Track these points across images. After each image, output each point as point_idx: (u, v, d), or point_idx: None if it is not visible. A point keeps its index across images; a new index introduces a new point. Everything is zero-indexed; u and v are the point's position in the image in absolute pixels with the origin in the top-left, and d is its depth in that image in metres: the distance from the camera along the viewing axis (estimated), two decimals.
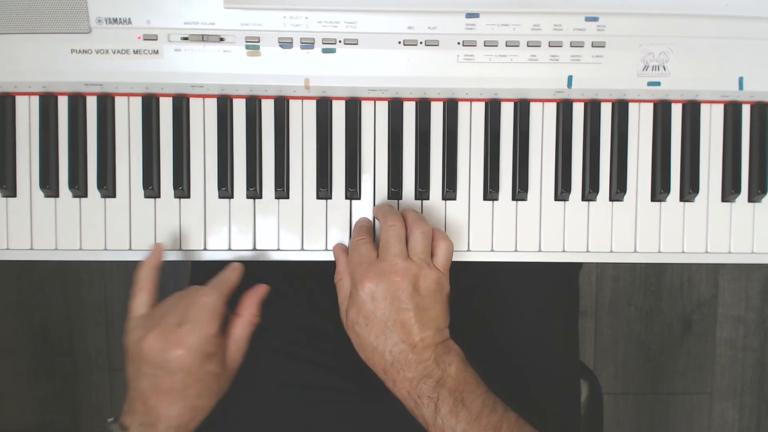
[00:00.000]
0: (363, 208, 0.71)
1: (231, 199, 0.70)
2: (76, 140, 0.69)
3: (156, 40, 0.65)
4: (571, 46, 0.67)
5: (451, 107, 0.70)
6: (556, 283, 0.79)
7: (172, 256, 0.69)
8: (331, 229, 0.71)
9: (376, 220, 0.70)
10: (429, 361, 0.62)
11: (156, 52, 0.66)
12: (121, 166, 0.69)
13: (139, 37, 0.65)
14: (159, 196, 0.69)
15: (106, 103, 0.69)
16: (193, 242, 0.70)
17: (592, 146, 0.71)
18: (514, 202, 0.71)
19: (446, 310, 0.64)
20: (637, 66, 0.68)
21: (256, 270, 0.74)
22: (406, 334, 0.62)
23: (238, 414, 0.73)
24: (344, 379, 0.74)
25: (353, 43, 0.66)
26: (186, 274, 0.81)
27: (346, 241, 0.70)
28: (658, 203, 0.72)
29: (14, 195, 0.69)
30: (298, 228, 0.70)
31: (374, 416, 0.74)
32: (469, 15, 0.66)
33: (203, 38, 0.66)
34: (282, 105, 0.70)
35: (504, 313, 0.77)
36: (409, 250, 0.63)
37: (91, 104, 0.69)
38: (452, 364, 0.62)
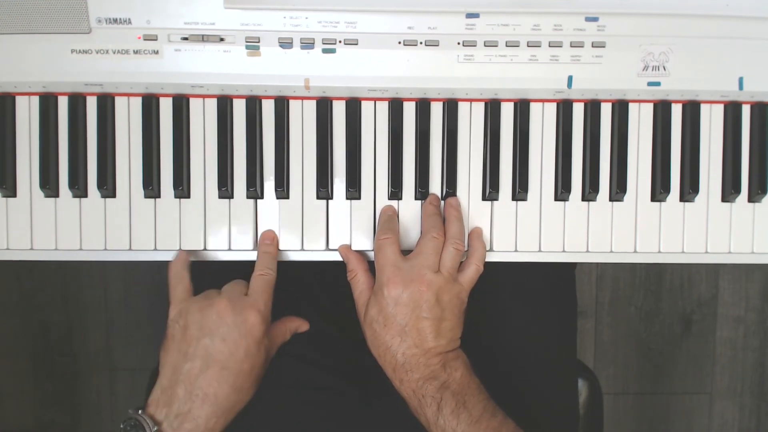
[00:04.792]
0: (363, 208, 0.71)
1: (231, 199, 0.70)
2: (76, 140, 0.69)
3: (156, 40, 0.65)
4: (571, 46, 0.67)
5: (451, 107, 0.70)
6: (551, 284, 0.80)
7: (171, 256, 0.69)
8: (332, 229, 0.71)
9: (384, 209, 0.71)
10: (437, 366, 0.64)
11: (156, 52, 0.66)
12: (121, 166, 0.69)
13: (139, 37, 0.65)
14: (159, 196, 0.69)
15: (106, 103, 0.69)
16: (193, 242, 0.70)
17: (592, 146, 0.71)
18: (514, 202, 0.71)
19: (461, 322, 0.67)
20: (637, 66, 0.68)
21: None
22: (421, 340, 0.64)
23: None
24: (343, 380, 0.74)
25: (353, 43, 0.66)
26: None
27: (346, 241, 0.70)
28: (658, 203, 0.72)
29: (14, 195, 0.69)
30: (298, 228, 0.70)
31: (372, 418, 0.74)
32: (469, 15, 0.66)
33: (203, 38, 0.66)
34: (282, 105, 0.70)
35: (500, 314, 0.78)
36: (440, 263, 0.65)
37: (91, 104, 0.69)
38: (458, 370, 0.64)
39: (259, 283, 0.65)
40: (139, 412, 0.59)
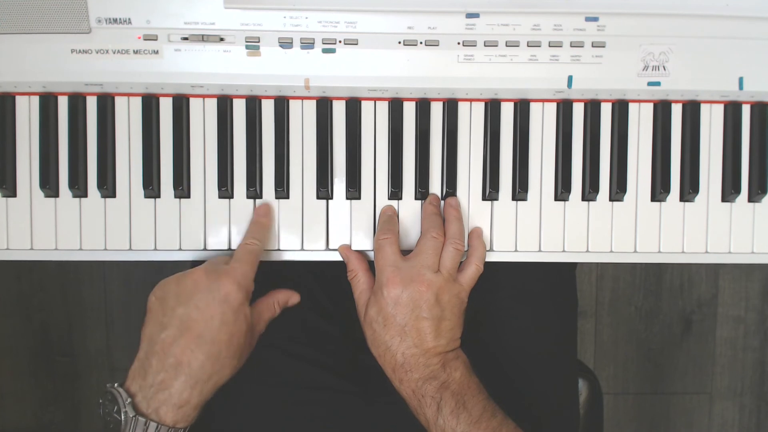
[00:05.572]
0: (363, 208, 0.71)
1: (231, 199, 0.70)
2: (76, 140, 0.69)
3: (156, 40, 0.65)
4: (571, 46, 0.67)
5: (451, 107, 0.70)
6: (551, 284, 0.80)
7: (171, 256, 0.69)
8: (332, 229, 0.71)
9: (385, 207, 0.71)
10: (437, 366, 0.64)
11: (156, 52, 0.66)
12: (121, 166, 0.69)
13: (139, 37, 0.65)
14: (159, 196, 0.69)
15: (106, 103, 0.69)
16: (193, 242, 0.70)
17: (592, 146, 0.71)
18: (514, 202, 0.71)
19: (461, 322, 0.67)
20: (637, 66, 0.68)
21: (257, 269, 0.74)
22: (420, 340, 0.64)
23: (238, 410, 0.73)
24: (343, 380, 0.74)
25: (353, 43, 0.66)
26: None
27: (346, 241, 0.70)
28: (658, 203, 0.72)
29: (14, 195, 0.69)
30: (298, 228, 0.70)
31: (372, 416, 0.74)
32: (469, 15, 0.66)
33: (203, 38, 0.66)
34: (282, 105, 0.70)
35: (500, 314, 0.78)
36: (440, 262, 0.65)
37: (91, 104, 0.69)
38: (458, 370, 0.64)
39: (241, 252, 0.64)
40: (116, 385, 0.59)
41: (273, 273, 0.75)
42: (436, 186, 0.71)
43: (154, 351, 0.59)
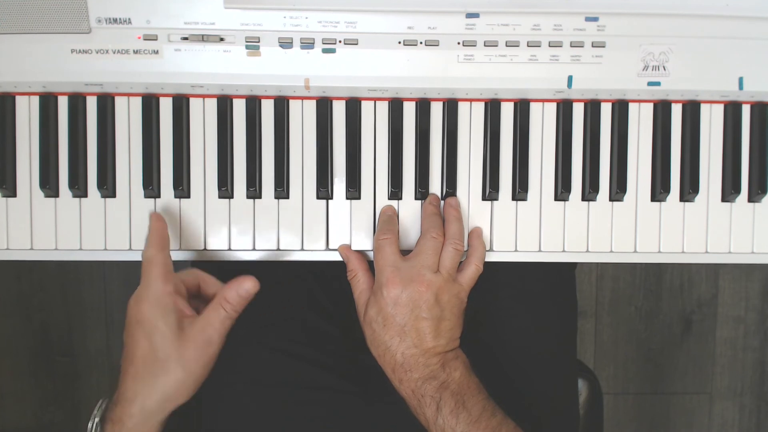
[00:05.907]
0: (363, 208, 0.71)
1: (231, 199, 0.70)
2: (76, 140, 0.69)
3: (156, 40, 0.65)
4: (571, 46, 0.67)
5: (451, 107, 0.70)
6: (551, 284, 0.80)
7: (171, 256, 0.69)
8: (332, 229, 0.71)
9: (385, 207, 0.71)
10: (436, 366, 0.64)
11: (156, 52, 0.66)
12: (121, 166, 0.69)
13: (139, 37, 0.65)
14: (159, 196, 0.69)
15: (106, 103, 0.69)
16: (193, 242, 0.70)
17: (592, 146, 0.71)
18: (514, 202, 0.71)
19: (461, 322, 0.67)
20: (637, 66, 0.68)
21: (257, 270, 0.74)
22: (420, 340, 0.64)
23: (239, 410, 0.73)
24: (343, 380, 0.75)
25: (353, 43, 0.66)
26: None
27: (346, 241, 0.70)
28: (658, 203, 0.72)
29: (14, 195, 0.69)
30: (298, 228, 0.70)
31: (372, 416, 0.74)
32: (469, 15, 0.66)
33: (203, 38, 0.66)
34: (282, 105, 0.70)
35: (500, 314, 0.78)
36: (439, 263, 0.66)
37: (91, 104, 0.69)
38: (457, 370, 0.64)
39: (143, 268, 0.64)
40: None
41: (273, 272, 0.75)
42: (436, 186, 0.71)
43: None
